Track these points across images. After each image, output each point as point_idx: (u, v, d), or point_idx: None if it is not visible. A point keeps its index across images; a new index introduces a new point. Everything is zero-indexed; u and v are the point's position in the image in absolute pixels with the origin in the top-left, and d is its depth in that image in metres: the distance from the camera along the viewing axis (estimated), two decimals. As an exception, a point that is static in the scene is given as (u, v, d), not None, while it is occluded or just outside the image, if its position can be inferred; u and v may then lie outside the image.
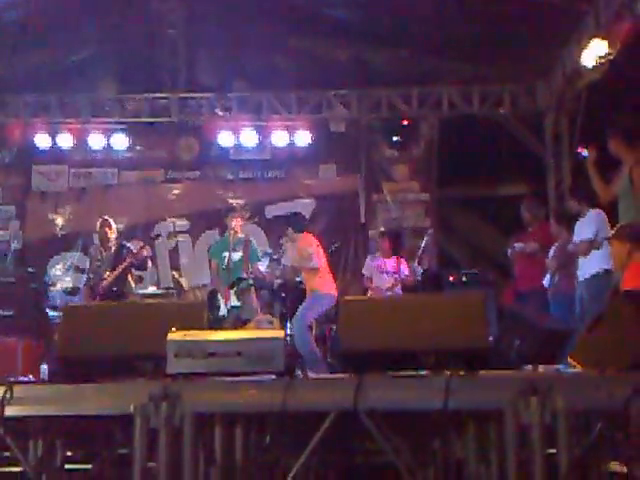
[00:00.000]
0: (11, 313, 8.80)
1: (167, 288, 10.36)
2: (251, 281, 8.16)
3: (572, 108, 9.95)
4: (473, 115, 10.68)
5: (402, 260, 9.14)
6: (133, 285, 8.69)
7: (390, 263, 9.05)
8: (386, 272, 9.01)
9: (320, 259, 7.80)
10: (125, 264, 8.38)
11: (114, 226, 8.63)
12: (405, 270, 9.06)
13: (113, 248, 8.51)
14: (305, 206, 11.10)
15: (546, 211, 8.75)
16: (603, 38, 7.98)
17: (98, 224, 8.66)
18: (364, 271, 9.32)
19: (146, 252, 8.64)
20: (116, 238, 8.63)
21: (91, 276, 8.49)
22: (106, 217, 8.70)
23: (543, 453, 3.27)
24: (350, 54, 10.27)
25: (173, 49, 10.41)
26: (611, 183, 6.10)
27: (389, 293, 8.71)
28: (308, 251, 7.71)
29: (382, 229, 10.20)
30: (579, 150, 6.44)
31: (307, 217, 8.95)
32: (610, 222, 6.67)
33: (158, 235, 9.36)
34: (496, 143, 10.53)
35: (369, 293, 9.08)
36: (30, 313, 8.68)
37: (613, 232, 5.90)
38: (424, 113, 10.97)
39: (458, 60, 10.12)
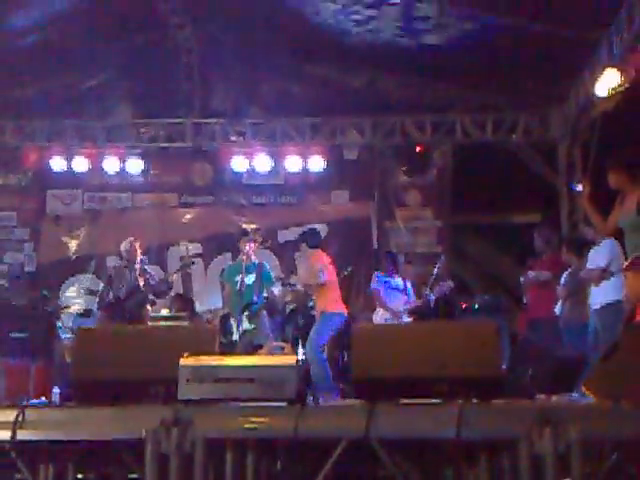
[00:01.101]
0: (24, 336, 8.83)
1: (179, 311, 10.36)
2: (263, 305, 8.15)
3: (585, 137, 9.94)
4: (486, 143, 10.70)
5: (407, 281, 9.10)
6: (149, 309, 8.69)
7: (398, 281, 9.01)
8: (397, 289, 8.95)
9: (330, 277, 7.78)
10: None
11: (139, 247, 8.63)
12: (412, 291, 9.02)
13: (138, 270, 8.50)
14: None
15: (559, 239, 8.73)
16: (617, 68, 7.99)
17: (127, 243, 8.63)
18: (373, 284, 9.16)
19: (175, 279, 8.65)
20: (141, 260, 8.63)
21: (109, 295, 8.42)
22: (133, 239, 8.69)
23: (557, 484, 3.25)
24: (364, 81, 10.32)
25: (188, 75, 10.50)
26: (610, 216, 6.08)
27: (404, 317, 8.66)
28: (317, 267, 7.72)
29: (384, 252, 10.18)
30: (573, 186, 6.43)
31: (320, 233, 8.88)
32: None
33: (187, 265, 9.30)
34: (509, 171, 10.53)
35: (379, 311, 8.99)
36: (43, 336, 8.69)
37: (628, 263, 5.87)
38: (437, 140, 10.99)
39: (472, 88, 10.15)
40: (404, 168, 11.40)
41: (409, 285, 9.06)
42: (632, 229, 5.87)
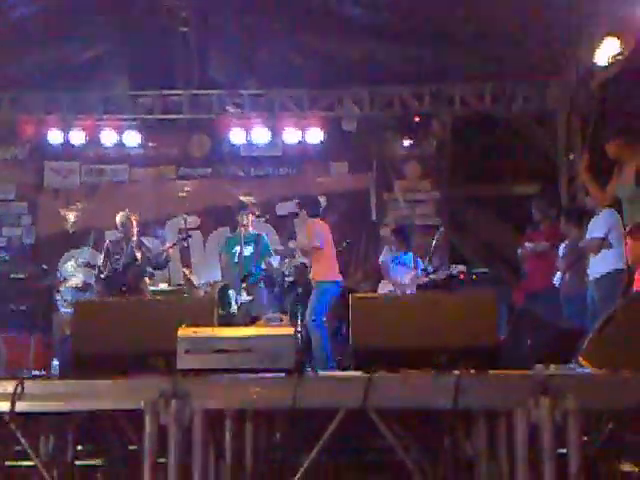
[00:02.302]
0: (23, 309, 8.84)
1: (178, 285, 10.38)
2: (261, 275, 8.15)
3: (585, 106, 9.89)
4: (485, 113, 10.65)
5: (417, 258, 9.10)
6: (147, 282, 8.70)
7: (407, 257, 9.01)
8: (405, 264, 8.95)
9: (328, 246, 7.78)
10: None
11: (136, 221, 8.62)
12: (421, 266, 9.02)
13: (134, 243, 8.49)
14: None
15: (557, 210, 8.72)
16: (616, 36, 7.94)
17: (123, 216, 8.63)
18: (382, 257, 9.19)
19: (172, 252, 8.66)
20: (137, 233, 8.61)
21: (109, 269, 8.43)
22: (129, 212, 8.67)
23: (553, 453, 3.26)
24: (362, 52, 10.25)
25: (186, 46, 10.41)
26: (608, 187, 6.06)
27: (408, 291, 8.66)
28: (314, 232, 7.73)
29: (393, 226, 10.16)
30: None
31: (320, 202, 8.87)
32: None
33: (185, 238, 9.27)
34: (508, 142, 10.51)
35: (383, 283, 9.02)
36: (42, 309, 8.71)
37: (629, 228, 5.88)
38: (436, 111, 10.93)
39: (471, 58, 10.09)
40: (408, 141, 11.31)
41: (419, 260, 9.06)
42: (630, 200, 5.86)
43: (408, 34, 9.63)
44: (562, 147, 10.50)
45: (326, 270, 7.74)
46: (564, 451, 3.35)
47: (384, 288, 9.03)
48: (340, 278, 7.84)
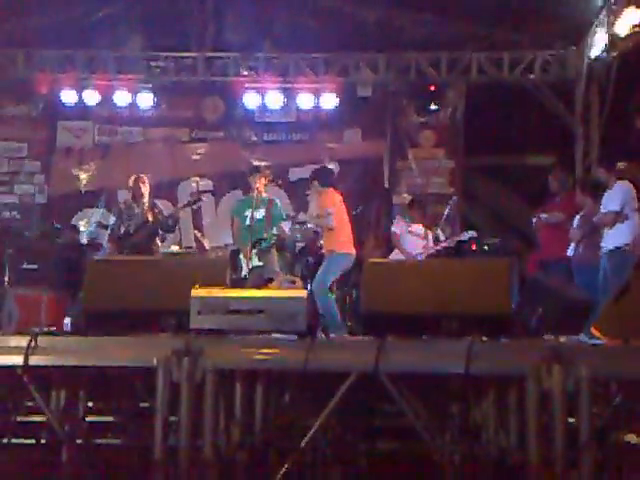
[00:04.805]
0: (36, 267, 8.88)
1: (189, 247, 10.38)
2: (273, 240, 8.12)
3: (603, 77, 9.77)
4: (502, 81, 10.53)
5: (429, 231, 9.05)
6: (159, 243, 8.70)
7: (419, 228, 8.96)
8: (417, 235, 8.90)
9: (341, 217, 7.70)
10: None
11: (147, 183, 8.60)
12: (432, 237, 8.96)
13: (146, 205, 8.49)
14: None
15: (574, 181, 8.65)
16: (637, 6, 7.82)
17: (132, 179, 8.61)
18: (394, 228, 9.13)
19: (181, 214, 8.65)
20: (149, 195, 8.60)
21: (121, 230, 8.44)
22: (141, 174, 8.66)
23: (564, 419, 3.27)
24: (379, 16, 10.14)
25: (201, 7, 10.32)
26: None
27: (419, 258, 8.61)
28: (327, 210, 7.64)
29: (411, 198, 10.05)
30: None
31: (334, 172, 8.79)
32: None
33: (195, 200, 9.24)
34: (524, 111, 10.40)
35: (395, 252, 8.98)
36: (55, 267, 8.74)
37: None
38: (452, 79, 10.82)
39: (489, 25, 9.97)
40: (434, 107, 11.17)
41: (430, 233, 9.01)
42: None
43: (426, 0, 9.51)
44: (579, 118, 10.39)
45: (339, 243, 7.66)
46: (572, 420, 3.36)
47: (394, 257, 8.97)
48: (353, 251, 7.72)
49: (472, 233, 8.97)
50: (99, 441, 4.41)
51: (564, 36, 10.06)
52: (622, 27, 8.10)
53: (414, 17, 10.14)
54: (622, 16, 8.03)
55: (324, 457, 4.26)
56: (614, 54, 9.12)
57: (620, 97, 9.48)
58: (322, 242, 8.11)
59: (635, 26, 8.00)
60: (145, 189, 8.52)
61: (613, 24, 8.26)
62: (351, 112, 11.35)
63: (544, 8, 9.09)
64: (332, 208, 7.58)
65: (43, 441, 4.10)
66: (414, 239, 8.95)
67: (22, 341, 3.56)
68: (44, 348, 3.57)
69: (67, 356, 3.60)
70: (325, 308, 7.28)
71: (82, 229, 10.56)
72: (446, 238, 9.04)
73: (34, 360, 3.54)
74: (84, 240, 10.13)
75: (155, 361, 3.45)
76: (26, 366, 3.52)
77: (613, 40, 8.78)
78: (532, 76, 10.44)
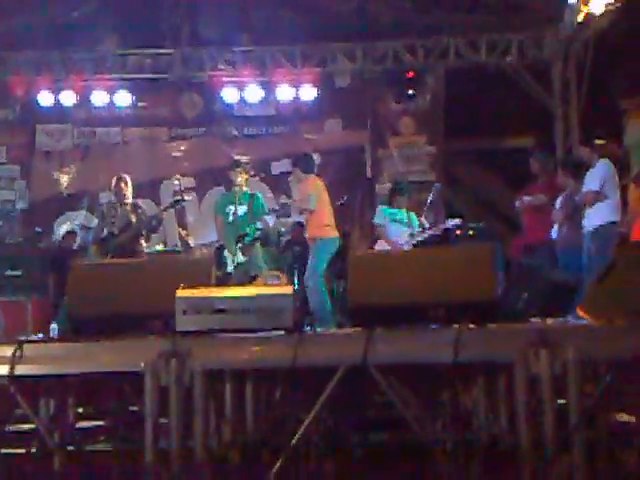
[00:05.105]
0: (19, 273, 8.82)
1: (174, 246, 10.35)
2: (257, 235, 8.10)
3: (580, 57, 9.79)
4: (479, 65, 10.53)
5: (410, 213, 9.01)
6: (144, 243, 8.67)
7: (401, 214, 8.92)
8: (401, 222, 8.86)
9: (323, 202, 7.71)
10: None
11: (130, 183, 8.56)
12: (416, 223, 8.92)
13: (129, 206, 8.45)
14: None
15: (555, 163, 8.67)
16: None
17: (114, 180, 8.57)
18: (377, 219, 9.07)
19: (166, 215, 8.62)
20: (132, 195, 8.56)
21: (104, 231, 8.39)
22: (123, 174, 8.62)
23: (553, 404, 3.28)
24: (354, 6, 10.11)
25: (175, 3, 10.26)
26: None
27: (405, 247, 8.57)
28: (308, 193, 7.66)
29: (391, 186, 10.01)
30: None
31: (314, 158, 8.77)
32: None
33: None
34: (503, 94, 10.41)
35: (380, 243, 8.95)
36: (38, 273, 8.70)
37: (634, 176, 5.85)
38: (430, 64, 10.81)
39: (464, 10, 9.96)
40: (411, 91, 11.14)
41: (413, 217, 8.96)
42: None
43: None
44: (557, 98, 10.41)
45: (323, 228, 7.68)
46: (563, 402, 3.37)
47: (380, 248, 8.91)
48: (337, 235, 7.77)
49: (457, 221, 8.95)
50: (90, 447, 4.39)
51: (540, 17, 10.06)
52: (597, 5, 8.12)
53: (389, 4, 10.12)
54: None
55: (317, 451, 4.26)
56: (590, 32, 9.15)
57: (598, 75, 9.51)
58: (306, 234, 8.10)
59: (609, 4, 8.01)
60: (127, 190, 8.48)
61: (588, 2, 8.27)
62: (330, 103, 11.34)
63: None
64: (313, 191, 7.60)
65: (33, 450, 4.07)
66: (399, 226, 8.92)
67: (7, 351, 3.54)
68: (30, 357, 3.54)
69: (53, 364, 3.58)
70: (318, 297, 7.27)
71: (66, 228, 10.47)
72: (430, 225, 9.01)
73: (20, 369, 3.51)
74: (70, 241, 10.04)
75: (142, 365, 3.43)
76: (12, 376, 3.49)
77: (588, 18, 8.80)
78: (509, 59, 10.45)
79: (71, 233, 10.19)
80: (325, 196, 7.78)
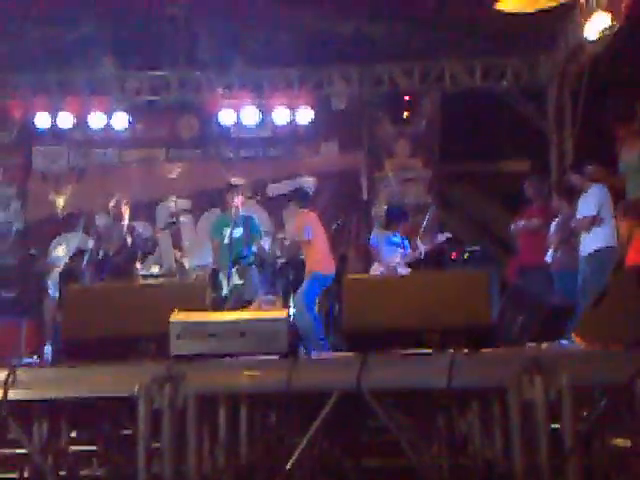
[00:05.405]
0: (14, 295, 8.80)
1: (169, 269, 10.34)
2: (252, 258, 8.12)
3: (575, 82, 9.86)
4: (475, 89, 10.60)
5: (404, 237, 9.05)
6: (138, 266, 8.66)
7: (396, 237, 8.96)
8: (396, 244, 8.89)
9: (319, 237, 7.76)
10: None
11: (128, 205, 8.57)
12: (408, 247, 8.96)
13: (125, 227, 8.45)
14: (307, 184, 11.04)
15: (549, 187, 8.71)
16: (606, 11, 7.89)
17: (113, 202, 8.59)
18: (373, 241, 9.09)
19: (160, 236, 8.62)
20: (129, 217, 8.57)
21: (99, 253, 8.39)
22: (121, 196, 8.63)
23: (547, 430, 3.27)
24: (351, 29, 10.17)
25: (173, 26, 10.31)
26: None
27: (400, 269, 8.60)
28: (304, 224, 7.71)
29: (386, 208, 10.06)
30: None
31: (310, 193, 8.83)
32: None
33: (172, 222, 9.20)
34: (498, 118, 10.47)
35: (376, 266, 8.97)
36: (33, 295, 8.68)
37: (621, 208, 5.88)
38: (426, 88, 10.87)
39: (460, 34, 10.02)
40: (406, 113, 11.22)
41: (407, 244, 9.00)
42: (634, 171, 5.86)
43: (396, 10, 9.55)
44: (552, 123, 10.47)
45: (317, 262, 7.73)
46: (557, 426, 3.36)
47: (376, 271, 8.94)
48: (332, 271, 7.81)
49: (447, 234, 9.01)
50: (83, 472, 4.36)
51: (535, 42, 10.14)
52: (592, 32, 8.17)
53: (385, 28, 10.18)
54: (591, 20, 8.09)
55: (312, 475, 4.24)
56: (585, 57, 9.21)
57: (593, 101, 9.56)
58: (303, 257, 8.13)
59: (604, 30, 8.07)
60: (126, 212, 8.50)
61: (583, 28, 8.32)
62: (327, 125, 11.38)
63: (514, 15, 9.15)
64: (309, 226, 7.66)
65: (26, 474, 4.05)
66: (394, 248, 8.95)
67: (0, 375, 3.52)
68: (23, 381, 3.53)
69: (47, 389, 3.56)
70: (307, 325, 7.29)
71: (61, 255, 10.48)
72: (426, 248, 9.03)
73: (13, 394, 3.50)
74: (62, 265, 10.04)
75: (136, 389, 3.41)
76: (5, 401, 3.47)
77: (583, 44, 8.86)
78: (505, 83, 10.51)
79: (81, 251, 10.17)
80: (321, 230, 7.84)
